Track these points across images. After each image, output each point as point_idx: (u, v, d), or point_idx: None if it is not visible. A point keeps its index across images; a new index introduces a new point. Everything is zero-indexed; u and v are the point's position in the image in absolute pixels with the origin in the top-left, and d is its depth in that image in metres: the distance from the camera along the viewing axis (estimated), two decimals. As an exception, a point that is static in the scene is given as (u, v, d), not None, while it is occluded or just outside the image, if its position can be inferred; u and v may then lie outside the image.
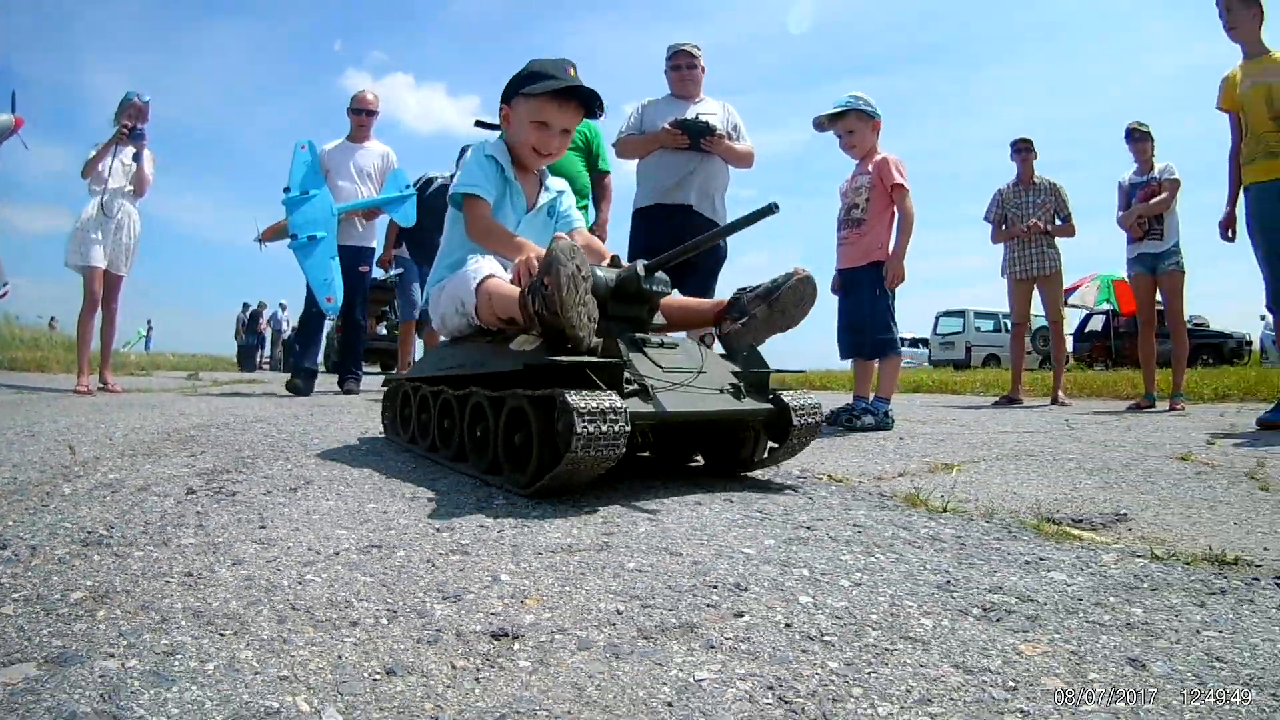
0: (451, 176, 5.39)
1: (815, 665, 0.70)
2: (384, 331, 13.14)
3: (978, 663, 0.72)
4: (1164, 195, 4.46)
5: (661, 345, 1.65)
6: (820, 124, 3.45)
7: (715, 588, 0.89)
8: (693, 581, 0.91)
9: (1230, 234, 3.64)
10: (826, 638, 0.76)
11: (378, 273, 5.42)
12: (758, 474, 1.82)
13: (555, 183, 2.23)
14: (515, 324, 1.63)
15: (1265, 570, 1.08)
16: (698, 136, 3.32)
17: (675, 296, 1.84)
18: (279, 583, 0.86)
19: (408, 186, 4.95)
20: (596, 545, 1.06)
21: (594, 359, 1.42)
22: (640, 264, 1.63)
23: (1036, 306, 5.14)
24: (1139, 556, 1.14)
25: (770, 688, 0.65)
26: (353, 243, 4.85)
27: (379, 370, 11.31)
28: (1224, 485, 1.78)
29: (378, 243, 5.18)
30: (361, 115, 5.02)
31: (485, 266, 1.79)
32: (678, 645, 0.72)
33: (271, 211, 4.88)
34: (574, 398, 1.29)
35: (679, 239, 1.93)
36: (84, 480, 1.49)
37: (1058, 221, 4.93)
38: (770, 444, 1.76)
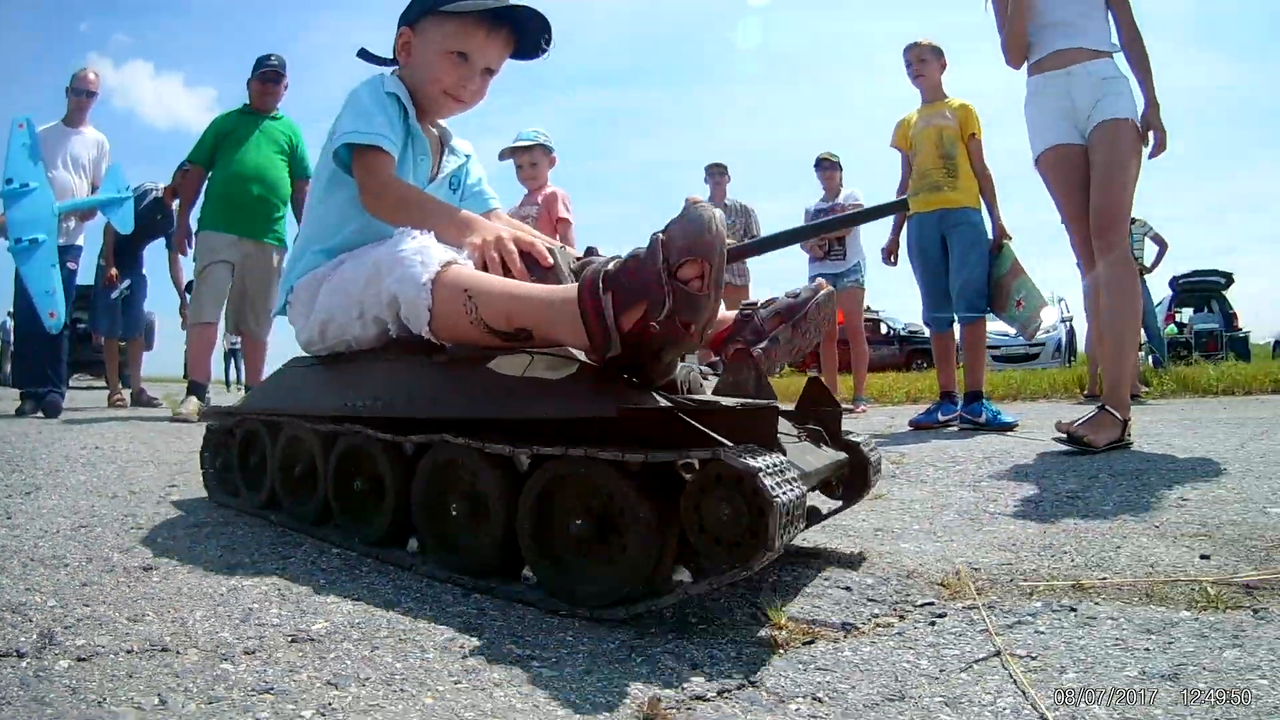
0: (165, 189, 5.12)
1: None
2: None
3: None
4: None
5: (705, 378, 1.30)
6: (504, 155, 3.98)
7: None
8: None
9: (892, 259, 4.05)
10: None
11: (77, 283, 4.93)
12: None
13: (461, 144, 1.75)
14: (524, 337, 1.16)
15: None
16: None
17: None
18: (21, 548, 1.58)
19: (127, 187, 4.68)
20: (223, 521, 1.86)
21: (750, 400, 1.06)
22: None
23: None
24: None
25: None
26: (62, 241, 4.51)
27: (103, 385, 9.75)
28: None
29: (83, 240, 4.90)
30: (82, 96, 4.71)
31: (435, 248, 1.30)
32: (241, 577, 1.56)
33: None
34: (759, 469, 0.86)
35: None
36: None
37: (746, 241, 5.78)
38: (827, 500, 1.44)
